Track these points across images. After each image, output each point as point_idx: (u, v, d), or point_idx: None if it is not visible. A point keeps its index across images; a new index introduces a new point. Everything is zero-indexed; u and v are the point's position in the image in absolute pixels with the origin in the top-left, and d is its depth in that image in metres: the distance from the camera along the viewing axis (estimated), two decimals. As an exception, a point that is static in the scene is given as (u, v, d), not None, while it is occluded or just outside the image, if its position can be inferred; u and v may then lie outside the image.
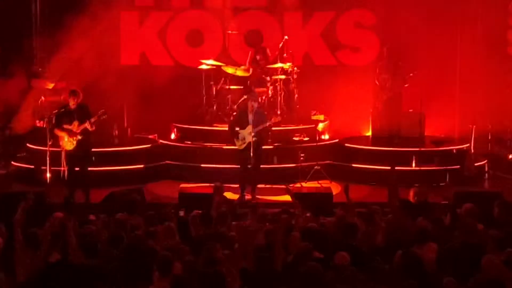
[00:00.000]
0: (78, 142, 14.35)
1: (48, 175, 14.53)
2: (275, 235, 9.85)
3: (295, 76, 17.33)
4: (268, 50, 17.59)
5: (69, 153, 14.41)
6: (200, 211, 11.19)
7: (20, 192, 14.48)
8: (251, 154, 14.55)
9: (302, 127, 17.02)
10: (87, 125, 14.25)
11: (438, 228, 10.25)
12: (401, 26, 17.18)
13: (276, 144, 16.24)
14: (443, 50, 17.48)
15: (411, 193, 12.31)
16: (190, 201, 13.47)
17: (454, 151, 16.57)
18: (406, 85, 17.04)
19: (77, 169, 14.51)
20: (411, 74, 16.93)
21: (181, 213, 12.13)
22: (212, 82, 17.45)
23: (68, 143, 14.36)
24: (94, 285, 8.29)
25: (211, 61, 17.33)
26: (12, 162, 16.82)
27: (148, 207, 12.46)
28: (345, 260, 8.70)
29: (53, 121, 14.48)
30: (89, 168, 14.78)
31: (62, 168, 14.50)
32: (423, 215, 10.77)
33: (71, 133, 14.33)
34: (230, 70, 17.15)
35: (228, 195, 14.14)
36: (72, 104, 14.34)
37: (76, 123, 14.29)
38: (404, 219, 10.72)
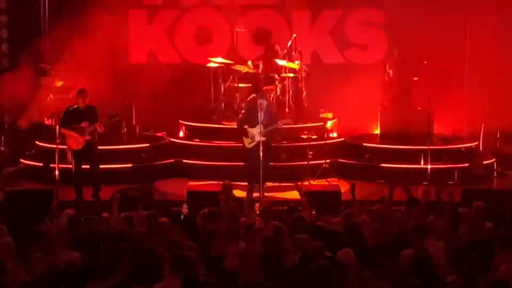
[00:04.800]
0: (87, 142, 14.40)
1: (56, 173, 14.55)
2: (283, 233, 9.86)
3: (303, 74, 17.32)
4: (277, 47, 17.57)
5: (76, 152, 14.45)
6: (208, 209, 11.22)
7: (28, 190, 14.62)
8: (260, 152, 14.55)
9: (310, 125, 17.00)
10: (97, 126, 14.30)
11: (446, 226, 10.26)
12: (409, 24, 17.14)
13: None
14: (451, 48, 17.42)
15: (420, 192, 12.31)
16: (198, 199, 13.48)
17: (463, 149, 16.55)
18: (415, 79, 16.95)
19: (87, 167, 14.56)
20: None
21: (185, 210, 12.13)
22: (220, 80, 17.45)
23: (76, 142, 14.39)
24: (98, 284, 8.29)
25: (219, 59, 17.34)
26: (21, 160, 16.85)
27: (155, 205, 12.49)
28: (349, 256, 8.69)
29: (62, 120, 14.52)
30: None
31: (70, 167, 14.58)
32: (432, 214, 10.77)
33: (80, 133, 14.36)
34: (240, 68, 17.15)
35: (237, 193, 14.14)
36: (81, 104, 14.38)
37: (86, 123, 14.32)
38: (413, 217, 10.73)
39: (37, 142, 16.88)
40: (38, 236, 9.56)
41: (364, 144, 16.87)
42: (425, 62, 16.82)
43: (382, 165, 16.21)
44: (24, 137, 17.36)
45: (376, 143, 16.96)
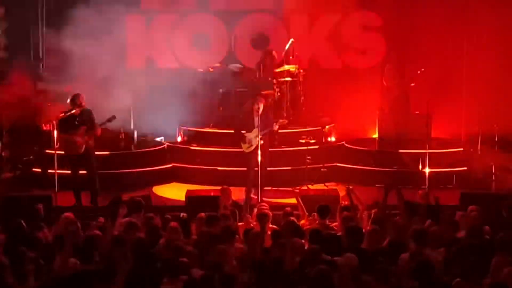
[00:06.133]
0: (85, 146, 14.39)
1: (55, 178, 14.54)
2: (281, 237, 9.86)
3: (301, 79, 17.33)
4: (274, 53, 17.58)
5: (74, 157, 14.44)
6: (206, 214, 11.22)
7: (26, 195, 14.59)
8: (258, 156, 14.55)
9: (308, 130, 16.99)
10: (95, 130, 14.30)
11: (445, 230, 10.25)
12: (407, 28, 17.13)
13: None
14: (449, 51, 17.43)
15: (419, 195, 12.31)
16: (197, 203, 13.47)
17: (461, 153, 16.55)
18: (412, 84, 16.96)
19: (84, 172, 14.55)
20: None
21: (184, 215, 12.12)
22: (218, 85, 17.46)
23: (75, 147, 14.37)
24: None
25: (217, 64, 17.36)
26: (19, 166, 16.83)
27: (154, 210, 12.49)
28: (353, 262, 8.68)
29: (59, 125, 14.51)
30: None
31: (68, 172, 14.59)
32: (430, 217, 10.78)
33: (78, 138, 14.35)
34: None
35: (235, 197, 14.12)
36: (77, 108, 14.38)
37: (83, 128, 14.32)
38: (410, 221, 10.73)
39: (35, 148, 16.87)
40: (35, 242, 9.55)
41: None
42: (422, 69, 16.84)
43: (380, 169, 16.21)
44: (23, 143, 17.34)
45: (374, 147, 16.98)
